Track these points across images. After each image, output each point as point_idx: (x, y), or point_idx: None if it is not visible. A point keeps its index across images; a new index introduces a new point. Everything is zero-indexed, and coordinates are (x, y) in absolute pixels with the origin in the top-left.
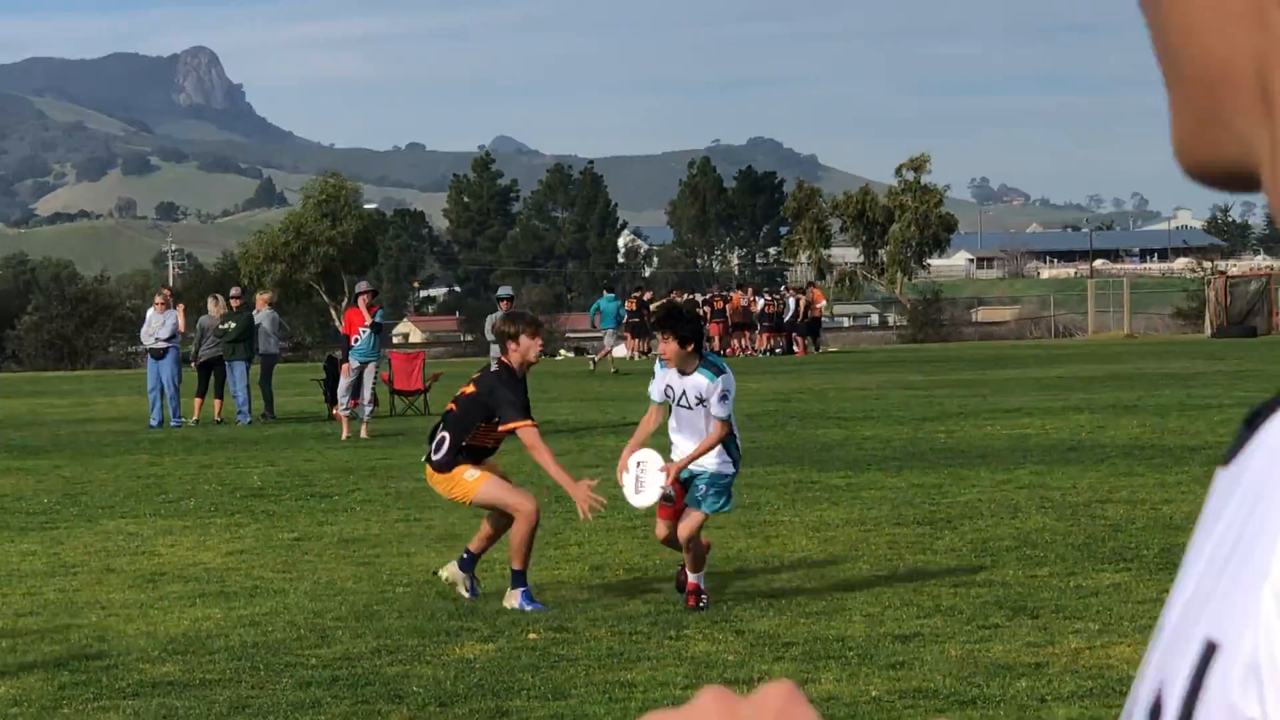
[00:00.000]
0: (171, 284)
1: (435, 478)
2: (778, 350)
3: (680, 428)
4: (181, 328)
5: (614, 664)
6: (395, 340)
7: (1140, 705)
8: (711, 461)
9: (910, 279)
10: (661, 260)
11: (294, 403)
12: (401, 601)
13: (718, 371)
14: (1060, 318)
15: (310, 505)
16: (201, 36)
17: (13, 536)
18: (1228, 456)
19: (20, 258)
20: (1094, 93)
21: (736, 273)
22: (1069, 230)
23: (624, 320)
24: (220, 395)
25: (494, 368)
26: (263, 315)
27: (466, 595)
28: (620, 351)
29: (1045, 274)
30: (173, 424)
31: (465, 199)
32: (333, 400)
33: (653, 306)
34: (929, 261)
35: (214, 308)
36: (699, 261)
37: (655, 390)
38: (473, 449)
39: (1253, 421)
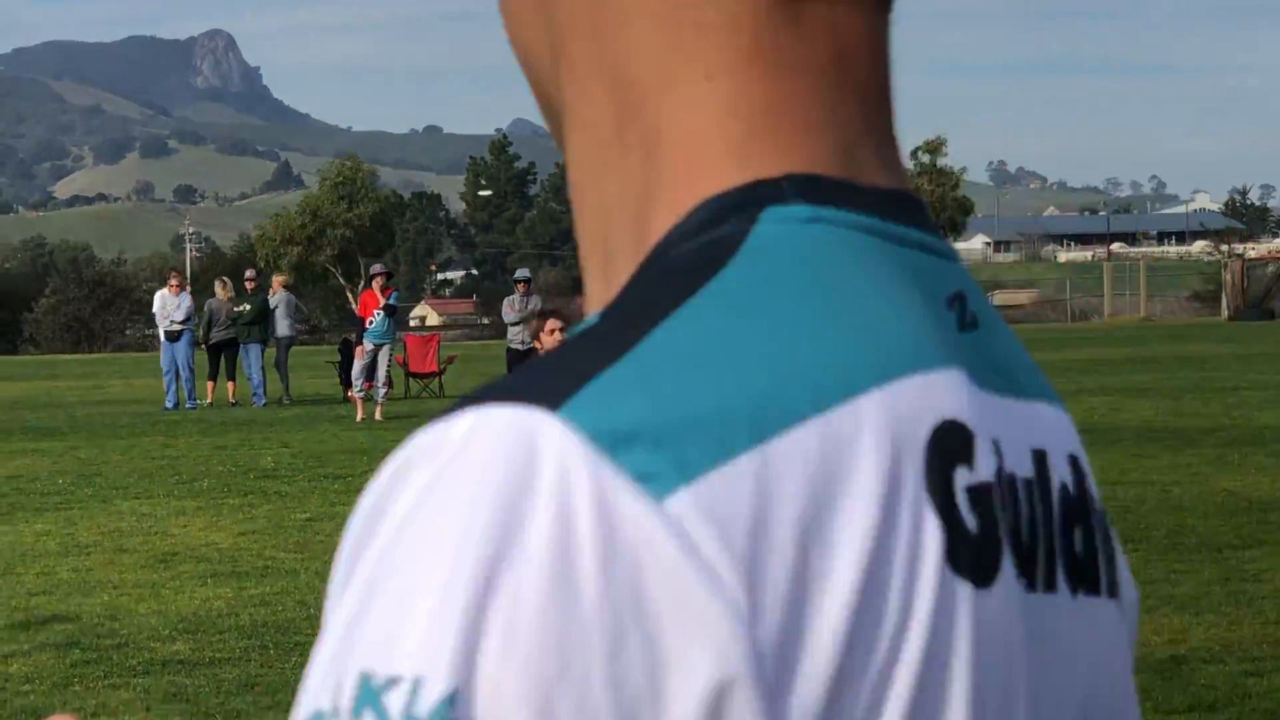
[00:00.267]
0: (189, 267)
1: None
2: None
3: None
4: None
5: None
6: (412, 323)
7: None
8: None
9: None
10: None
11: (309, 385)
12: None
13: None
14: (1077, 301)
15: (323, 486)
16: (219, 19)
17: (27, 517)
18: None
19: (38, 240)
20: (1112, 76)
21: None
22: (1086, 213)
23: None
24: (232, 377)
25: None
26: (278, 298)
27: None
28: None
29: (1062, 257)
30: (188, 406)
31: (482, 181)
32: (347, 382)
33: None
34: None
35: (221, 291)
36: None
37: None
38: None
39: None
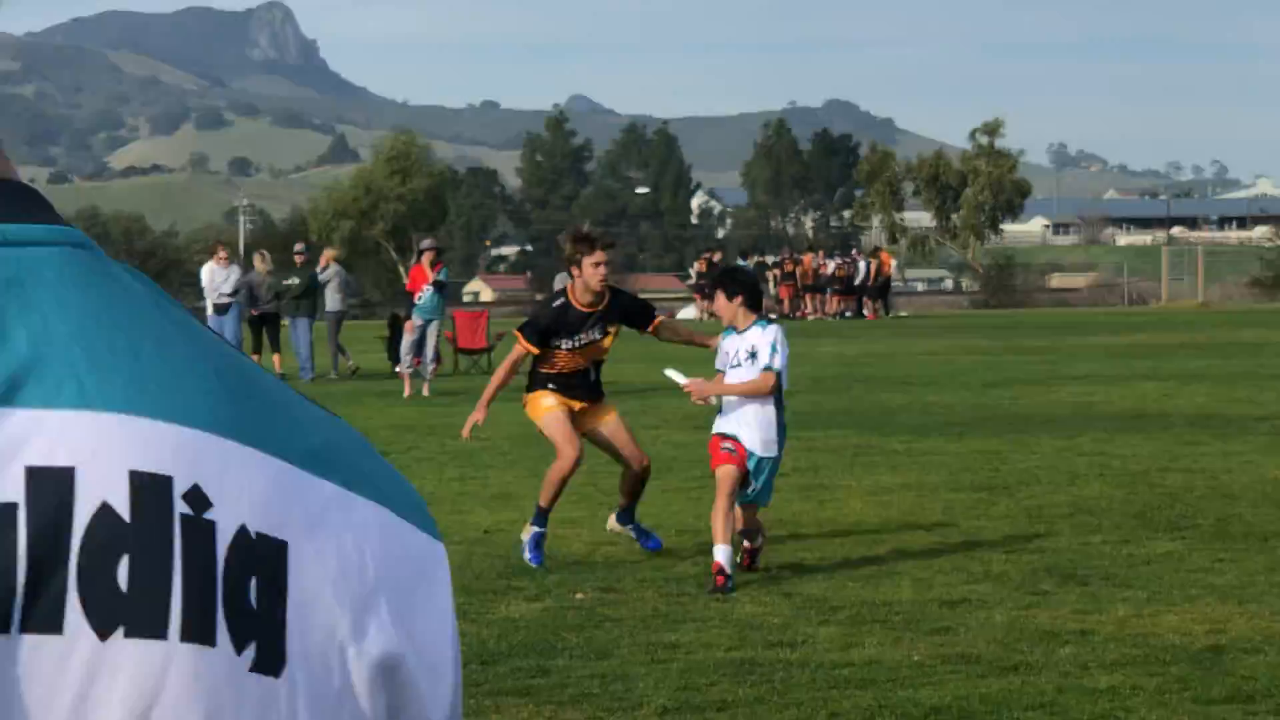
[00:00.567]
0: (242, 239)
1: (524, 399)
2: (848, 314)
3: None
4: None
5: (659, 625)
6: (466, 298)
7: None
8: (773, 445)
9: (984, 244)
10: (735, 222)
11: (358, 359)
12: (451, 559)
13: (768, 321)
14: (1135, 285)
15: None
16: None
17: None
18: None
19: (92, 211)
20: (1175, 59)
21: (810, 235)
22: (1147, 197)
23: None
24: (277, 349)
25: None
26: (329, 271)
27: (641, 544)
28: (690, 313)
29: (1122, 241)
30: None
31: (539, 158)
32: (396, 358)
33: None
34: (1003, 226)
35: (260, 264)
36: (773, 224)
37: (719, 359)
38: (551, 376)
39: None
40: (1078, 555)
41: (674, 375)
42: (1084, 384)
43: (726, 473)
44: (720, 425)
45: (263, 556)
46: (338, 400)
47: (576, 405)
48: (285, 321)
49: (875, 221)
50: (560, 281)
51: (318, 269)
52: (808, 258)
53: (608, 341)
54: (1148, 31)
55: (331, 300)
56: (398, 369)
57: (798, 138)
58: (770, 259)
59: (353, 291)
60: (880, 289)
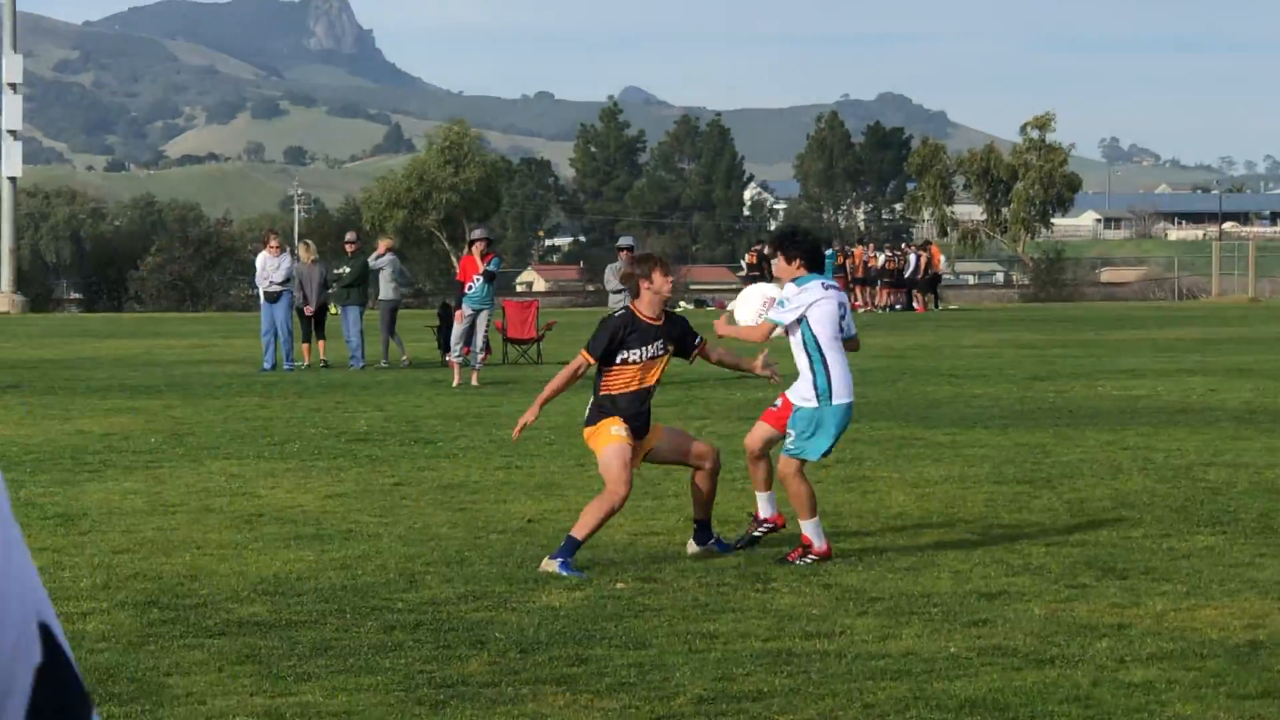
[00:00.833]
0: (296, 228)
1: (585, 433)
2: (898, 306)
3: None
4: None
5: (698, 615)
6: (519, 289)
7: None
8: (800, 394)
9: (1034, 238)
10: (787, 214)
11: (408, 349)
12: (494, 548)
13: (798, 283)
14: (1185, 280)
15: (413, 451)
16: None
17: (117, 475)
18: None
19: (148, 199)
20: (1228, 53)
21: (862, 228)
22: (1198, 192)
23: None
24: (322, 336)
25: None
26: (383, 261)
27: (722, 551)
28: None
29: (1173, 235)
30: (286, 367)
31: (592, 149)
32: (445, 347)
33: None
34: (1054, 220)
35: (305, 254)
36: (824, 216)
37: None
38: (617, 397)
39: None
40: (1118, 549)
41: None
42: (1130, 378)
43: (757, 430)
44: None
45: None
46: (387, 389)
47: (634, 442)
48: (335, 310)
49: (926, 215)
50: (612, 274)
51: (373, 257)
52: (858, 250)
53: (666, 361)
54: (1201, 25)
55: (385, 289)
56: (447, 358)
57: (850, 130)
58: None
59: (406, 281)
60: (930, 282)
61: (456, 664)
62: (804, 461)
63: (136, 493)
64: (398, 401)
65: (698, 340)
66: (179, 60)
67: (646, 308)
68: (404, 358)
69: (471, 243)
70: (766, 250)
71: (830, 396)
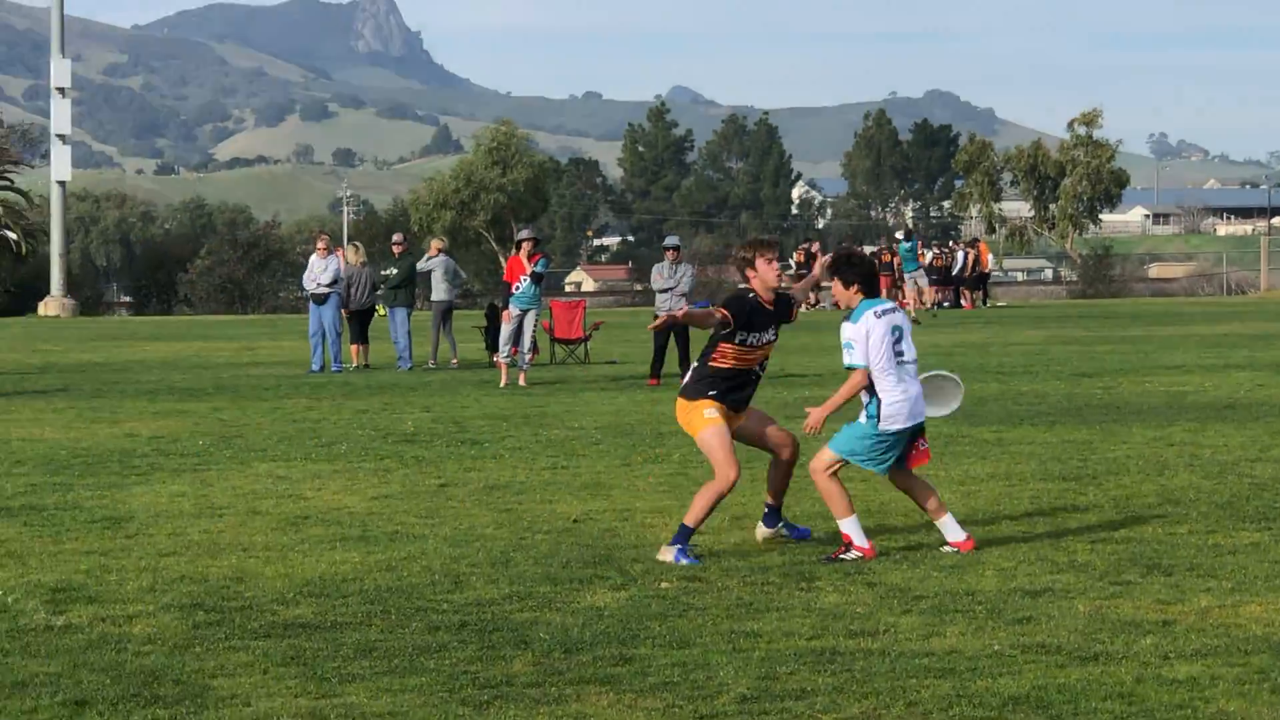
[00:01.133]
0: (345, 230)
1: (679, 404)
2: (945, 304)
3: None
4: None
5: (742, 614)
6: (568, 289)
7: None
8: (865, 406)
9: (1082, 234)
10: (835, 212)
11: (458, 350)
12: (539, 548)
13: (854, 315)
14: (1233, 275)
15: (460, 451)
16: None
17: (164, 478)
18: None
19: (198, 202)
20: (1277, 48)
21: (910, 226)
22: (1248, 187)
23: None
24: (365, 340)
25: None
26: (434, 262)
27: (794, 536)
28: None
29: (1222, 230)
30: (334, 369)
31: (640, 148)
32: (493, 347)
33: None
34: (1103, 216)
35: (354, 256)
36: (872, 214)
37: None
38: (723, 374)
39: None
40: (1163, 545)
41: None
42: (1177, 374)
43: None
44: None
45: None
46: (434, 390)
47: (731, 415)
48: (382, 312)
49: (974, 212)
50: (658, 273)
51: (424, 259)
52: None
53: (772, 347)
54: (1250, 20)
55: (438, 290)
56: (495, 358)
57: (898, 128)
58: (869, 249)
59: (459, 282)
60: (978, 280)
61: (501, 664)
62: (842, 462)
63: (184, 495)
64: (445, 402)
65: (793, 307)
66: (227, 63)
67: (764, 292)
68: (453, 360)
69: (519, 243)
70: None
71: (879, 420)
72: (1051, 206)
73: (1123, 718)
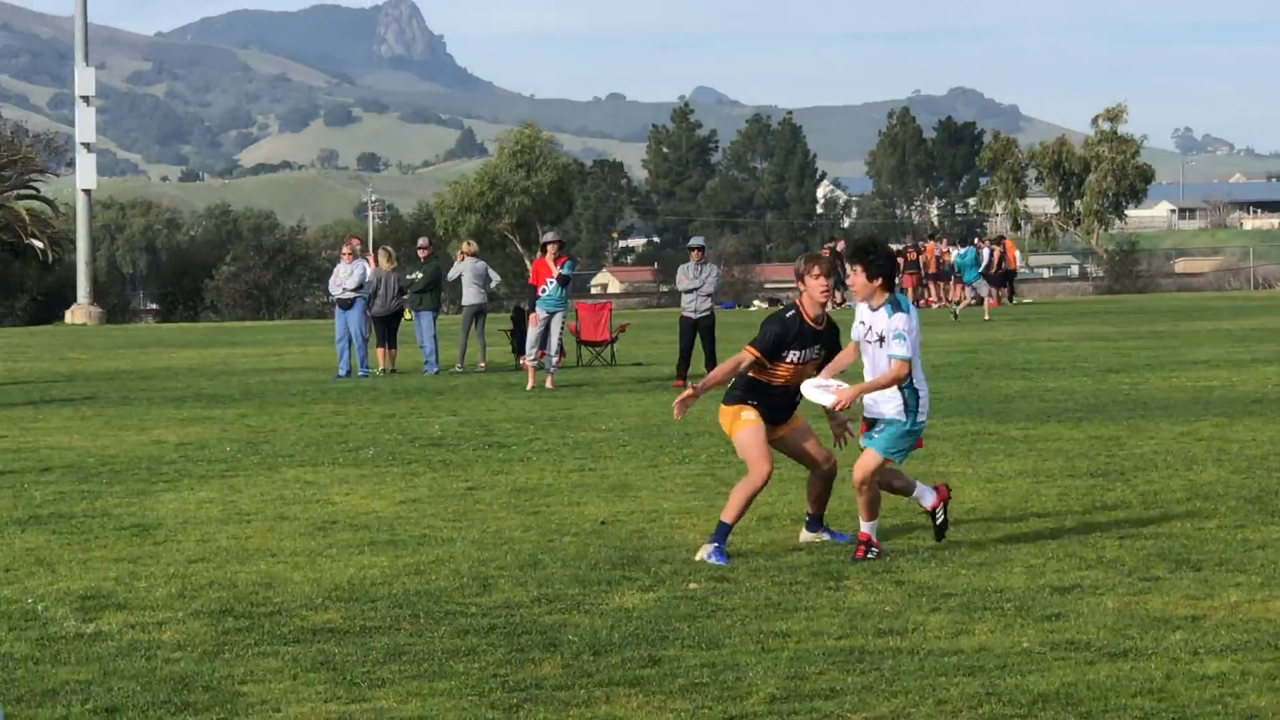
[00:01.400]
0: (370, 234)
1: (721, 411)
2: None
3: (869, 367)
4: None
5: (771, 614)
6: (594, 290)
7: None
8: (890, 407)
9: (1107, 230)
10: (860, 210)
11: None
12: (566, 551)
13: (896, 308)
14: (1261, 269)
15: (487, 455)
16: None
17: (192, 484)
18: None
19: (223, 208)
20: None
21: (935, 223)
22: (1274, 180)
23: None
24: (393, 345)
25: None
26: (461, 266)
27: (835, 540)
28: None
29: (1248, 225)
30: (360, 374)
31: (664, 149)
32: (520, 350)
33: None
34: (1129, 212)
35: (385, 261)
36: (898, 212)
37: (855, 328)
38: (758, 386)
39: None
40: (1192, 540)
41: (817, 395)
42: (1204, 369)
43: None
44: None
45: None
46: (461, 394)
47: (769, 425)
48: (409, 316)
49: (999, 209)
50: (683, 274)
51: (457, 261)
52: (930, 246)
53: (818, 364)
54: (1276, 13)
55: (467, 293)
56: (521, 361)
57: (922, 126)
58: (894, 247)
59: (487, 283)
60: (1004, 277)
61: (530, 667)
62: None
63: (212, 501)
64: (471, 406)
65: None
66: (251, 69)
67: (809, 308)
68: (481, 363)
69: (544, 246)
70: (848, 264)
71: (918, 414)
72: (1077, 203)
73: (1153, 714)
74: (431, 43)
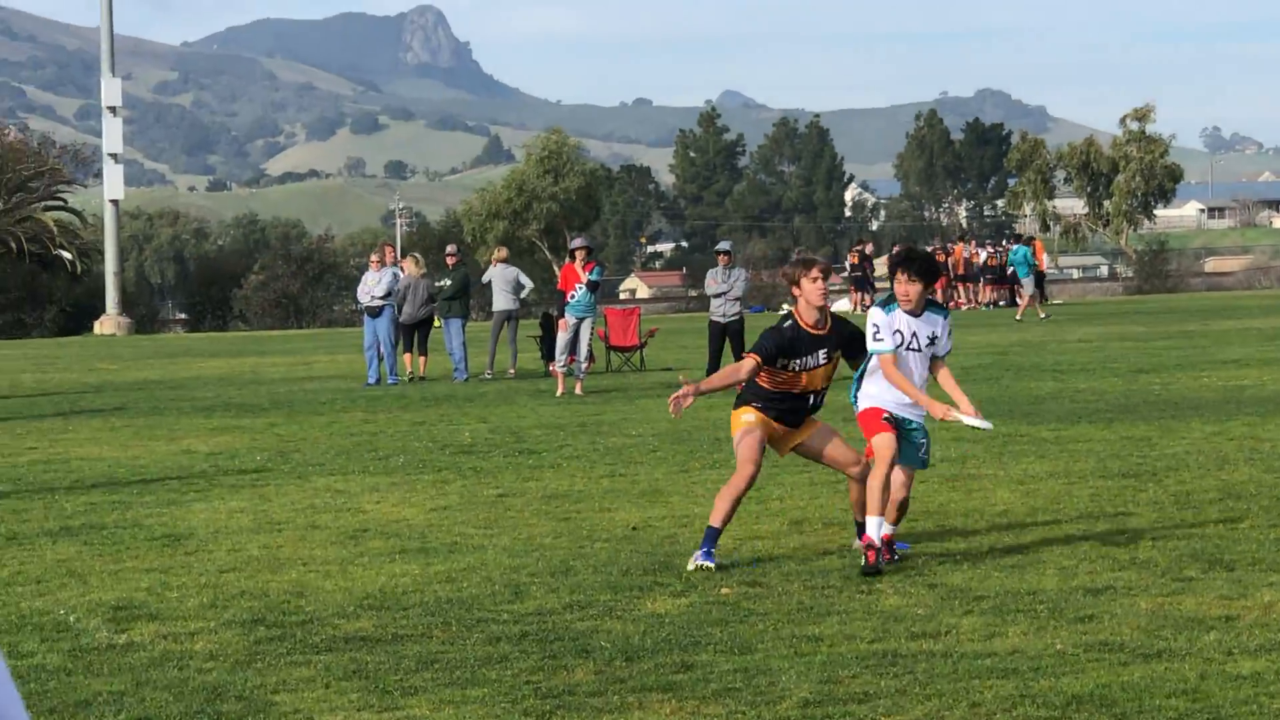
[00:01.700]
0: (399, 242)
1: (732, 413)
2: (1001, 303)
3: (915, 373)
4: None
5: (803, 618)
6: (623, 296)
7: None
8: (984, 421)
9: (1136, 230)
10: (889, 213)
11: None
12: (598, 557)
13: (944, 309)
14: None
15: (517, 461)
16: None
17: (223, 494)
18: None
19: (251, 217)
20: None
21: (964, 225)
22: None
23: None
24: (424, 352)
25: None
26: (491, 273)
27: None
28: (844, 305)
29: (1278, 223)
30: (390, 381)
31: (691, 154)
32: (549, 356)
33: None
34: (1157, 212)
35: (413, 268)
36: (926, 214)
37: (889, 339)
38: (762, 391)
39: None
40: (1224, 540)
41: (975, 422)
42: (1235, 368)
43: (888, 441)
44: (880, 400)
45: None
46: (490, 400)
47: (781, 428)
48: (438, 323)
49: (1027, 210)
50: (711, 278)
51: (489, 268)
52: (959, 247)
53: (831, 368)
54: None
55: (497, 300)
56: (551, 367)
57: (950, 128)
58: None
59: (520, 291)
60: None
61: (562, 674)
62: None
63: (242, 511)
64: (501, 412)
65: (864, 352)
66: (277, 78)
67: (805, 314)
68: (510, 370)
69: (572, 252)
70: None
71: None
72: (1105, 203)
73: (1187, 715)
74: (457, 50)
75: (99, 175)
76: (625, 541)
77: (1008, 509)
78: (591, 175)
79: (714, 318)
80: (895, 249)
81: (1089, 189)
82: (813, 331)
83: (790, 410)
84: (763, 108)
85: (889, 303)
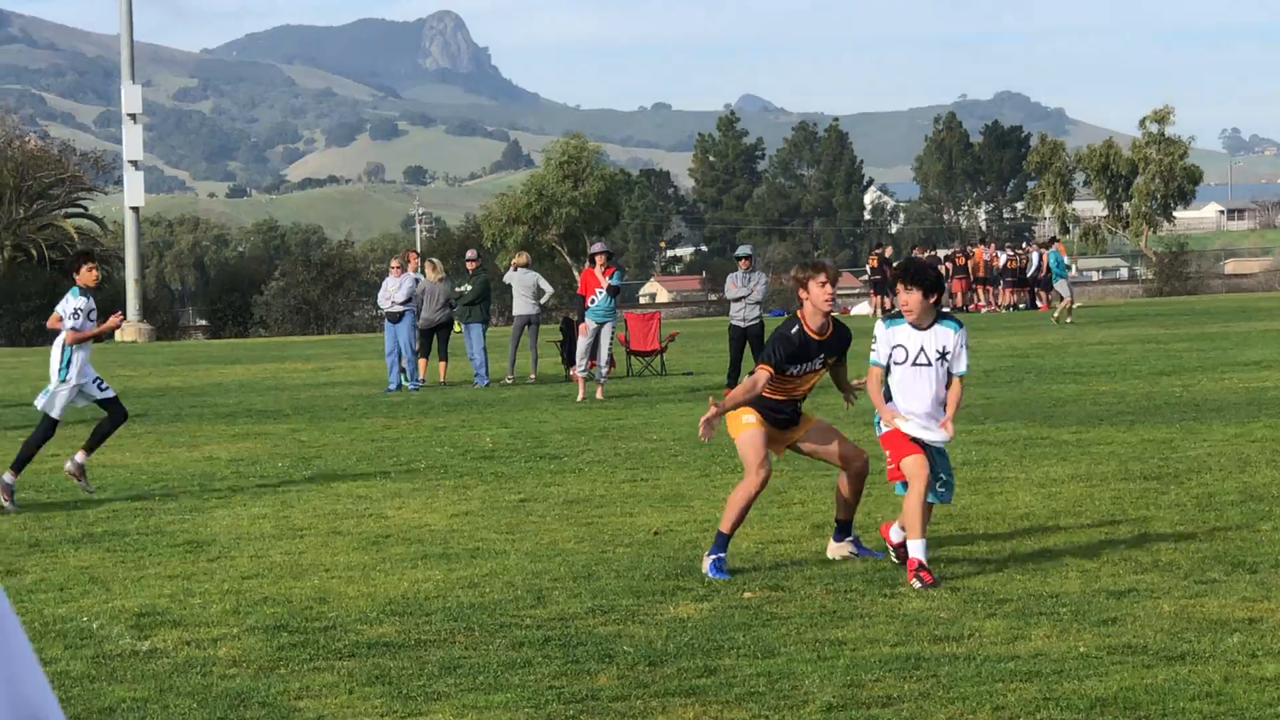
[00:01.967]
0: (420, 247)
1: (727, 417)
2: (1021, 306)
3: (904, 388)
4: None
5: (826, 622)
6: (643, 300)
7: None
8: (943, 433)
9: (1156, 232)
10: (908, 216)
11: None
12: (620, 561)
13: (959, 323)
14: None
15: (539, 467)
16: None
17: (245, 500)
18: None
19: (271, 224)
20: None
21: (983, 228)
22: None
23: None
24: (444, 357)
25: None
26: (511, 277)
27: (860, 553)
28: (864, 309)
29: None
30: (410, 387)
31: (711, 158)
32: (570, 361)
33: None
34: (1177, 214)
35: (432, 273)
36: (945, 217)
37: (880, 353)
38: (759, 397)
39: None
40: (1247, 542)
41: (930, 436)
42: (1257, 370)
43: (921, 462)
44: (902, 425)
45: None
46: (511, 406)
47: (776, 430)
48: (458, 328)
49: (1047, 212)
50: (731, 282)
51: (510, 272)
52: (979, 250)
53: (824, 372)
54: None
55: (517, 305)
56: (572, 372)
57: (969, 131)
58: (942, 253)
59: (537, 294)
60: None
61: (585, 679)
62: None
63: (264, 517)
64: (522, 417)
65: (845, 352)
66: (296, 84)
67: (810, 319)
68: (531, 375)
69: (592, 256)
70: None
71: None
72: (1125, 205)
73: (1212, 717)
74: (476, 55)
75: (119, 182)
76: (647, 546)
77: (1029, 512)
78: (611, 180)
79: (734, 322)
80: (914, 249)
81: (1108, 191)
82: (816, 337)
83: (786, 413)
84: (782, 111)
85: (895, 317)
